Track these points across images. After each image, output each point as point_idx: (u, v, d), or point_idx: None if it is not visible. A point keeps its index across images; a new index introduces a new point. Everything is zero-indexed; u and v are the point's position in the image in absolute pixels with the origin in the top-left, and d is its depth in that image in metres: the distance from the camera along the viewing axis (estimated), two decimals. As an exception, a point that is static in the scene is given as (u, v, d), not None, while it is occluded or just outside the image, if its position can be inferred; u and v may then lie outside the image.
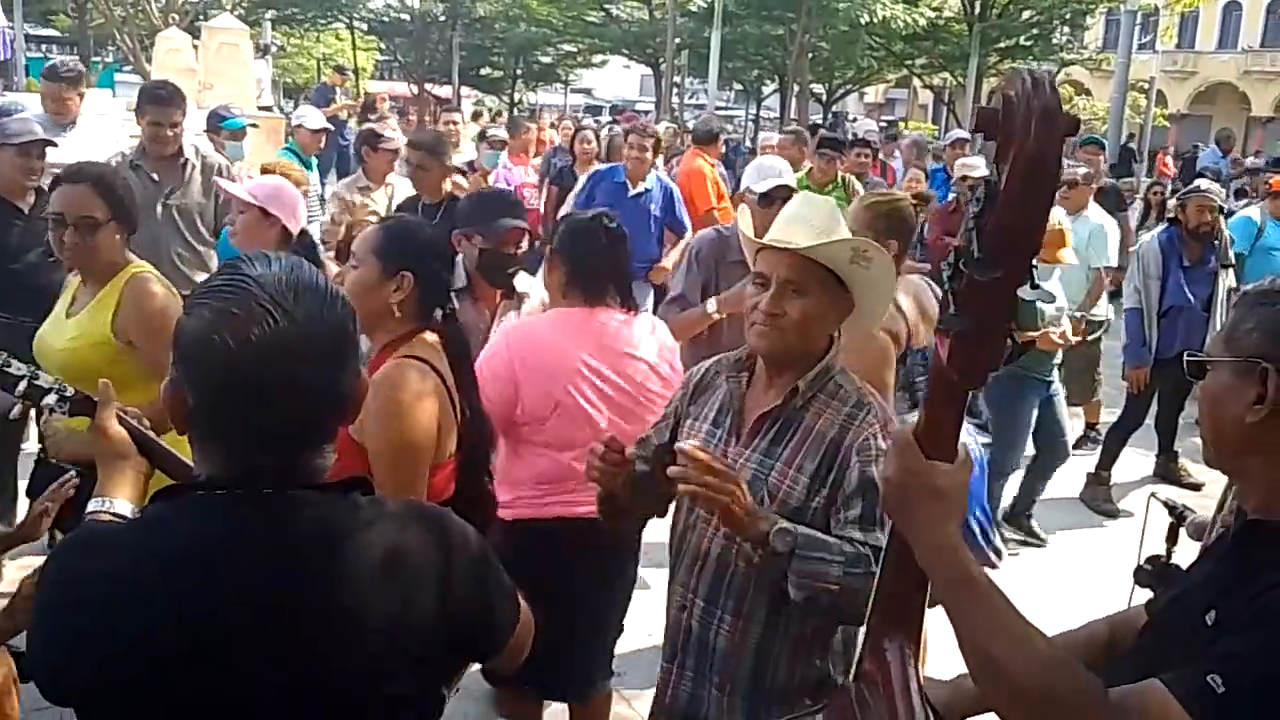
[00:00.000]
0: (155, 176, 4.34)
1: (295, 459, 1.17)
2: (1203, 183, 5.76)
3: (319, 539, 1.16)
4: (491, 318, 3.11)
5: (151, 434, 1.62)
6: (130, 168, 4.20)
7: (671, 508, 2.11)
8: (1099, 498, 5.50)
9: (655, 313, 3.63)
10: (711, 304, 3.47)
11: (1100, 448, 5.67)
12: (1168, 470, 5.90)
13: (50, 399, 1.67)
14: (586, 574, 2.68)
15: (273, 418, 1.14)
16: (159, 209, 4.27)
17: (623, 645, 3.69)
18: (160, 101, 4.35)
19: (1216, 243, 5.48)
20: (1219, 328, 5.10)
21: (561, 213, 6.24)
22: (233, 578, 1.12)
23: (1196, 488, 5.54)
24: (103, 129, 5.17)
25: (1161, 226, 5.78)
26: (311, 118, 6.74)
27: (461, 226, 3.14)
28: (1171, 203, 5.88)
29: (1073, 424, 6.38)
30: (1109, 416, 5.98)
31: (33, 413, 2.58)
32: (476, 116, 15.33)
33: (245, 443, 1.16)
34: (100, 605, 1.11)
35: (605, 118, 25.51)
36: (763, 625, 1.90)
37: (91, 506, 1.50)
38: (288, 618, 1.13)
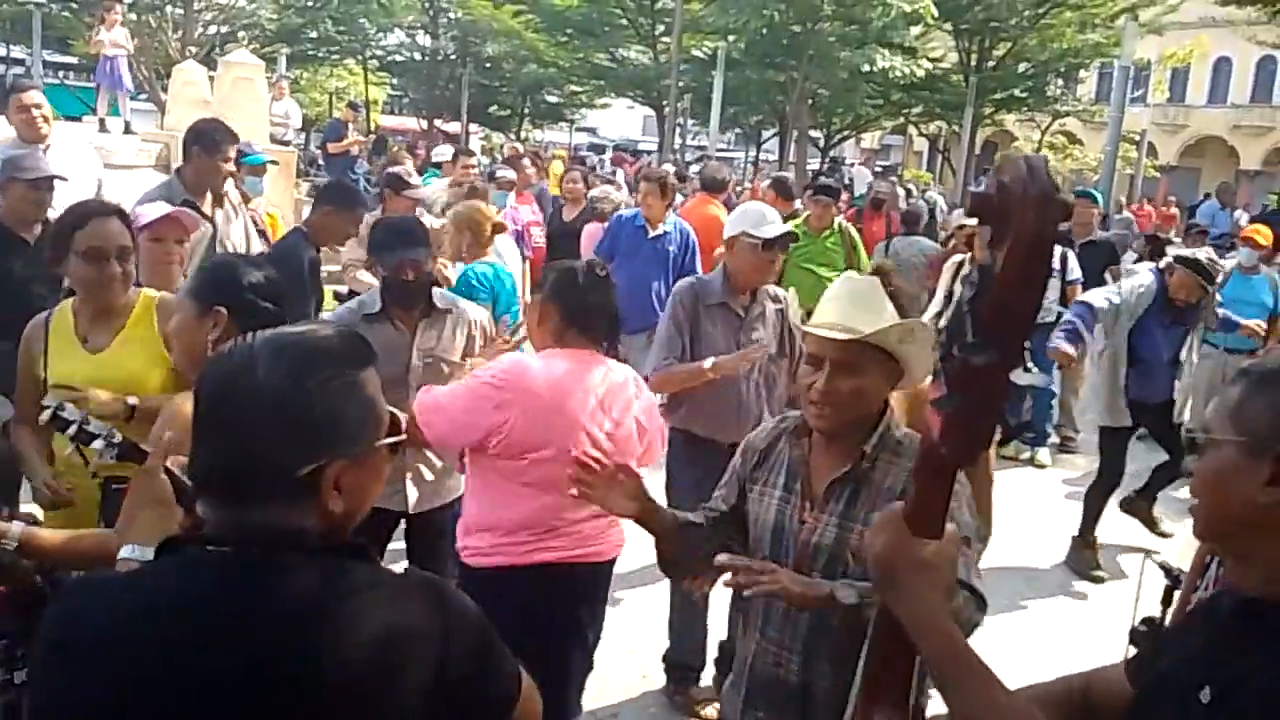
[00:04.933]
0: (208, 211, 4.36)
1: (253, 516, 1.17)
2: (1203, 255, 5.28)
3: (307, 604, 1.14)
4: (412, 336, 3.29)
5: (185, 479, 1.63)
6: (181, 205, 4.13)
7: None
8: (1086, 563, 5.27)
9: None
10: (709, 363, 3.46)
11: (1082, 510, 5.39)
12: (1139, 510, 5.57)
13: (98, 444, 1.74)
14: (559, 621, 2.70)
15: (208, 459, 1.19)
16: (219, 248, 4.32)
17: (613, 682, 3.80)
18: (231, 139, 4.46)
19: (1201, 309, 5.24)
20: (1188, 381, 5.22)
21: (586, 257, 6.46)
22: (213, 639, 1.12)
23: (1165, 536, 5.42)
24: (74, 153, 4.83)
25: (1156, 268, 5.47)
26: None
27: (369, 256, 3.50)
28: (1168, 258, 5.48)
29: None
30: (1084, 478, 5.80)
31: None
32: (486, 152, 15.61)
33: (205, 481, 1.21)
34: (85, 654, 1.13)
35: (608, 156, 25.87)
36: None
37: (123, 554, 1.53)
38: (266, 686, 1.11)
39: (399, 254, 3.28)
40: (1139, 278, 5.40)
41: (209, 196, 4.46)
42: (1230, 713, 1.12)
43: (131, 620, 1.14)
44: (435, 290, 3.44)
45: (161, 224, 3.27)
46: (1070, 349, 4.90)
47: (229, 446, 1.18)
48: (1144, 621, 2.25)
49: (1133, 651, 1.82)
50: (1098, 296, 5.21)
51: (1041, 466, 6.99)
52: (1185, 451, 5.31)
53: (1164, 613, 2.50)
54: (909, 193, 16.57)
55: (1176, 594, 2.53)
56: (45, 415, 1.78)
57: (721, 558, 1.86)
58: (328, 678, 1.12)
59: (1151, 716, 1.26)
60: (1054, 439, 7.34)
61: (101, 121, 11.43)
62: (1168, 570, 2.55)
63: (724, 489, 2.21)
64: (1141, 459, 5.66)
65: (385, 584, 1.21)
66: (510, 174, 8.20)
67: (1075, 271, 6.73)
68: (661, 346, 3.65)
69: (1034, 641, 4.33)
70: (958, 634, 1.21)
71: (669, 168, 12.70)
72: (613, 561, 2.88)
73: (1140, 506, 5.61)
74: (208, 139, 4.40)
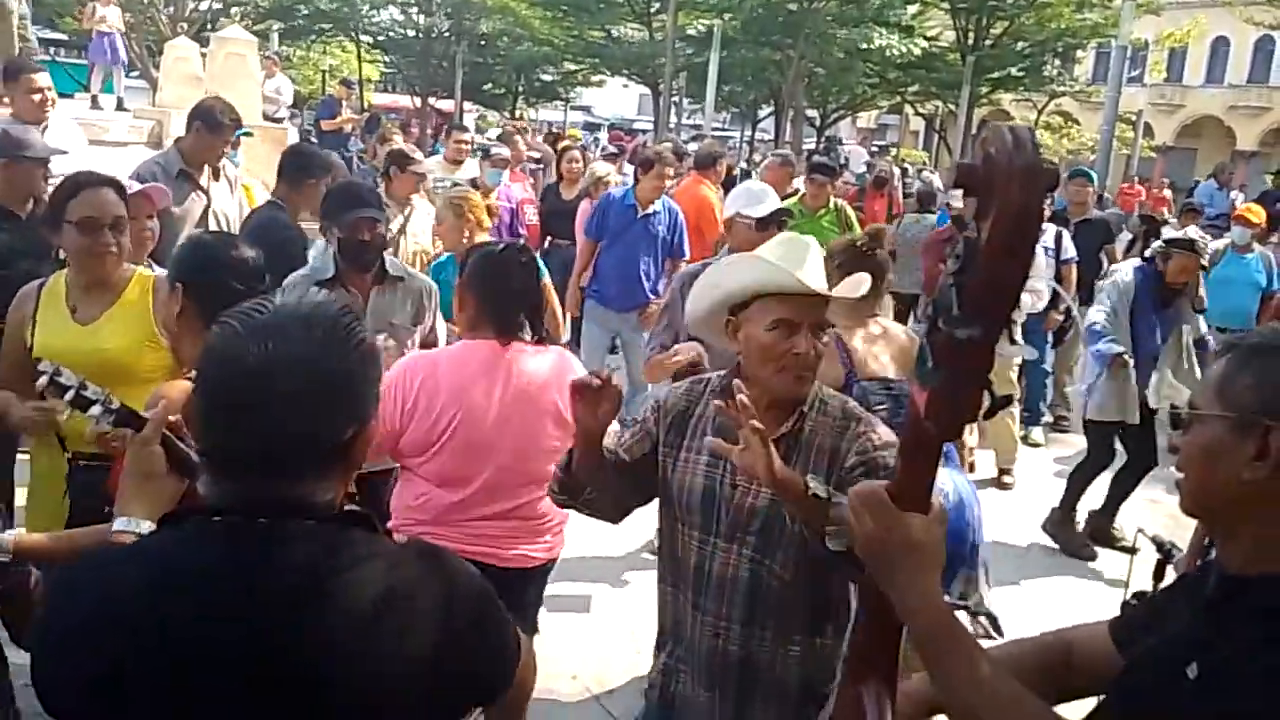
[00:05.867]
0: (204, 184, 4.57)
1: (280, 488, 1.16)
2: (1195, 234, 5.24)
3: (308, 574, 1.14)
4: (365, 302, 3.32)
5: (193, 453, 1.60)
6: (178, 176, 4.39)
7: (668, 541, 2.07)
8: (1066, 538, 5.25)
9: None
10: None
11: (1066, 487, 5.35)
12: (1099, 527, 5.36)
13: (96, 410, 1.71)
14: None
15: (246, 437, 1.14)
16: (211, 218, 4.50)
17: (613, 662, 3.81)
18: (235, 125, 4.65)
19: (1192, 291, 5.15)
20: (1172, 369, 5.10)
21: (580, 236, 6.37)
22: (215, 610, 1.11)
23: (1132, 551, 5.28)
24: (65, 131, 4.93)
25: (1137, 262, 5.38)
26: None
27: (322, 221, 3.46)
28: (1156, 244, 5.19)
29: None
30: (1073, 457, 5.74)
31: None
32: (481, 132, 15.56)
33: (228, 461, 1.17)
34: (79, 628, 1.13)
35: (604, 135, 25.69)
36: (806, 634, 1.99)
37: (117, 525, 1.51)
38: (269, 654, 1.11)
39: (355, 213, 3.27)
40: (1118, 275, 5.29)
41: (205, 170, 4.59)
42: (1218, 693, 1.11)
43: (133, 593, 1.12)
44: (387, 258, 3.44)
45: (132, 201, 3.21)
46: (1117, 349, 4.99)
47: (266, 423, 1.13)
48: (1135, 596, 2.23)
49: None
50: (1096, 315, 5.15)
51: (1035, 445, 6.99)
52: (1149, 449, 5.16)
53: (1156, 587, 2.43)
54: (905, 172, 16.54)
55: (1169, 568, 2.54)
56: (43, 380, 1.74)
57: (739, 388, 1.75)
58: (331, 647, 1.12)
59: (1138, 690, 1.25)
60: (1048, 418, 7.36)
61: (94, 98, 11.34)
62: (1160, 544, 2.55)
63: (632, 439, 2.11)
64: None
65: (387, 553, 1.21)
66: (505, 151, 8.14)
67: (1070, 250, 6.71)
68: (654, 335, 3.66)
69: (1028, 619, 4.26)
70: (947, 612, 1.19)
71: (667, 145, 12.61)
72: (533, 570, 2.76)
73: (1101, 523, 5.42)
74: (212, 118, 4.55)
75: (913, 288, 8.06)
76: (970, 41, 25.58)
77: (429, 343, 3.48)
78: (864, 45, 22.32)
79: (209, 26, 20.64)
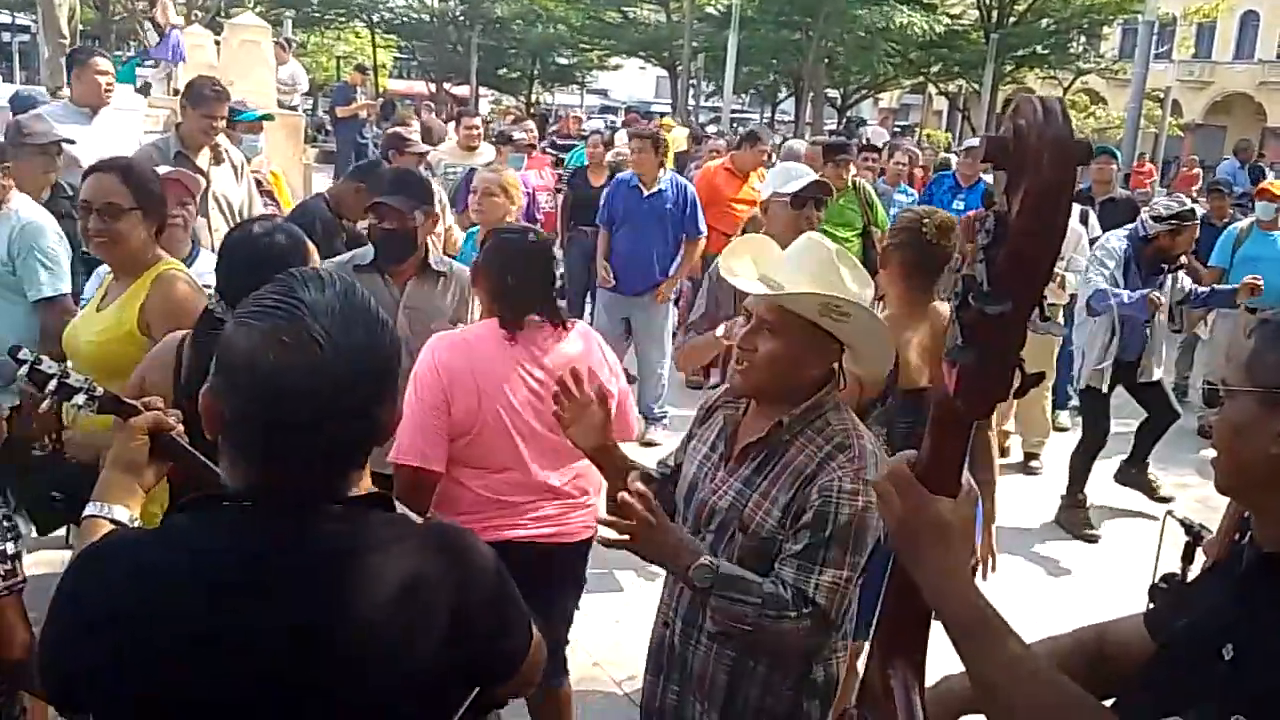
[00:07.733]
0: (201, 166, 4.48)
1: (324, 480, 1.17)
2: (1184, 203, 5.31)
3: (334, 559, 1.15)
4: (400, 293, 3.19)
5: (184, 442, 1.60)
6: (175, 158, 4.32)
7: None
8: (1076, 522, 5.27)
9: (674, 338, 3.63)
10: (721, 329, 3.22)
11: (1068, 471, 5.38)
12: (1133, 478, 5.57)
13: (79, 398, 1.68)
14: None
15: (309, 443, 1.14)
16: (210, 201, 4.42)
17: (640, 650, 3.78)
18: (221, 98, 4.57)
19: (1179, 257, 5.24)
20: (1160, 332, 5.17)
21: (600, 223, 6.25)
22: (243, 598, 1.12)
23: (1166, 500, 5.35)
24: (124, 121, 5.10)
25: (1126, 231, 5.36)
26: None
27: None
28: (1144, 215, 5.28)
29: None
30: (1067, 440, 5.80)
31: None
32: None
33: (278, 462, 1.15)
34: (106, 616, 1.12)
35: (619, 119, 25.48)
36: (735, 649, 1.93)
37: (89, 510, 1.48)
38: (296, 638, 1.12)
39: (375, 198, 3.20)
40: (1107, 243, 5.29)
41: (205, 152, 4.53)
42: (1253, 671, 1.10)
43: (151, 583, 1.12)
44: (433, 253, 3.31)
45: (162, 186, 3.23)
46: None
47: (332, 429, 1.13)
48: (1164, 579, 2.21)
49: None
50: (1098, 280, 5.15)
51: (1063, 429, 6.83)
52: (1166, 405, 5.37)
53: (1184, 569, 2.48)
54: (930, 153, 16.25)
55: (1197, 550, 2.52)
56: (23, 370, 1.67)
57: (635, 482, 1.83)
58: (354, 629, 1.13)
59: (1173, 672, 1.23)
60: (1075, 401, 7.19)
61: (147, 86, 11.26)
62: (1188, 526, 2.51)
63: (680, 445, 2.20)
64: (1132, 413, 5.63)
65: (408, 535, 1.22)
66: (525, 137, 8.06)
67: (1096, 229, 6.52)
68: (690, 325, 3.62)
69: (1056, 601, 4.31)
70: (977, 594, 1.16)
71: (682, 130, 12.50)
72: (584, 544, 2.76)
73: (1132, 475, 5.58)
74: (196, 94, 4.52)
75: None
76: (994, 19, 25.19)
77: None
78: (885, 24, 22.00)
79: (222, 14, 20.58)
